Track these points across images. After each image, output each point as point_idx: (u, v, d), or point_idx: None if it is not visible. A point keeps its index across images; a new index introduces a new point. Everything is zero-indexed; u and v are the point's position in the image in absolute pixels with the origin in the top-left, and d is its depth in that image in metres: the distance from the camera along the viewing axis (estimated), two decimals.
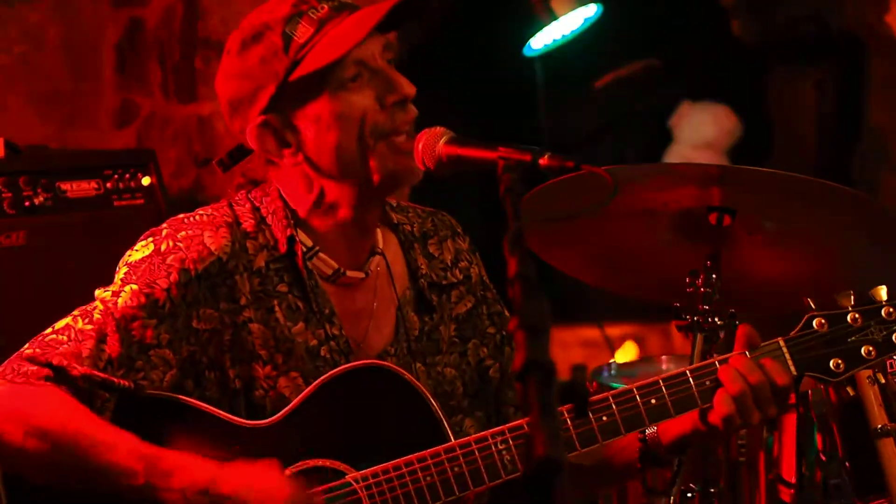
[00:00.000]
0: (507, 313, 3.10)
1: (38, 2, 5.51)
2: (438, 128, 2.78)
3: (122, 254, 2.88)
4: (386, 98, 2.81)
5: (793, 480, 3.82)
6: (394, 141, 2.81)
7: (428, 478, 2.75)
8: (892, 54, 6.56)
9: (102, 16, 5.71)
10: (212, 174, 5.65)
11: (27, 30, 5.47)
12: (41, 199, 4.35)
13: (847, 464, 3.44)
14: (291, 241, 2.88)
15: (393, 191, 2.93)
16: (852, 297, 2.90)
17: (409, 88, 2.84)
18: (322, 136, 2.82)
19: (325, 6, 2.82)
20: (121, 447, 2.64)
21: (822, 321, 2.89)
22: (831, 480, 3.56)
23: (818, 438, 3.65)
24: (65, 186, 4.42)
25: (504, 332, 3.11)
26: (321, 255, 2.90)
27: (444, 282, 3.06)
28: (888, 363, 3.21)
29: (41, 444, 2.64)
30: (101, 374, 2.70)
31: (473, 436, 2.80)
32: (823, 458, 3.61)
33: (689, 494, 3.45)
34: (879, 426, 3.20)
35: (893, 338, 2.88)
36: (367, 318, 2.97)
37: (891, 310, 2.90)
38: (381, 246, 2.99)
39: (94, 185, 4.47)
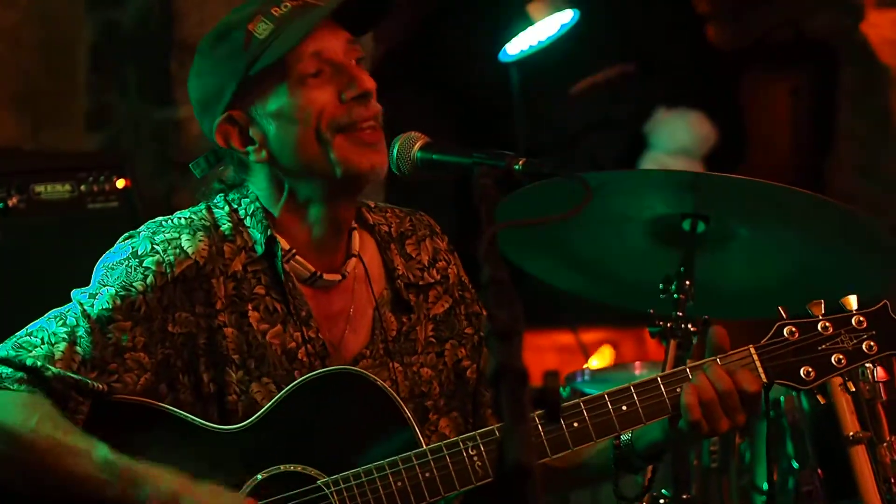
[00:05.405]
0: (485, 313, 3.09)
1: (15, 2, 5.48)
2: (413, 133, 2.79)
3: (97, 257, 2.87)
4: (346, 93, 2.83)
5: (765, 487, 3.84)
6: (353, 135, 2.83)
7: (399, 483, 2.75)
8: (867, 62, 6.59)
9: (78, 17, 5.68)
10: (186, 177, 5.62)
11: (2, 30, 5.43)
12: (14, 200, 4.33)
13: (819, 471, 3.46)
14: (272, 241, 2.87)
15: (361, 187, 2.92)
16: (823, 306, 2.90)
17: (369, 83, 2.85)
18: (282, 131, 2.84)
19: (290, 4, 2.85)
20: (92, 454, 2.63)
21: (793, 329, 2.89)
22: (803, 487, 3.57)
23: (790, 445, 3.66)
24: (38, 188, 4.40)
25: (482, 333, 3.11)
26: (298, 257, 2.90)
27: (422, 282, 3.05)
28: (861, 371, 3.22)
29: (12, 450, 2.64)
30: (75, 377, 2.70)
31: (445, 441, 2.80)
32: (795, 465, 3.63)
33: (660, 501, 3.46)
34: (852, 434, 3.22)
35: (863, 346, 2.89)
36: (344, 322, 2.96)
37: (861, 318, 2.90)
38: (356, 248, 2.98)
39: (68, 187, 4.46)
